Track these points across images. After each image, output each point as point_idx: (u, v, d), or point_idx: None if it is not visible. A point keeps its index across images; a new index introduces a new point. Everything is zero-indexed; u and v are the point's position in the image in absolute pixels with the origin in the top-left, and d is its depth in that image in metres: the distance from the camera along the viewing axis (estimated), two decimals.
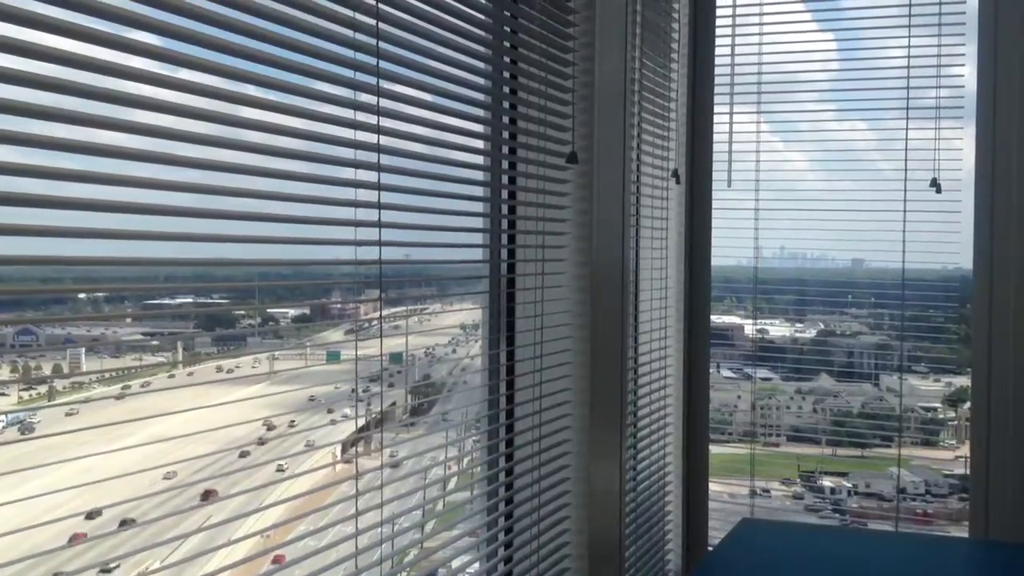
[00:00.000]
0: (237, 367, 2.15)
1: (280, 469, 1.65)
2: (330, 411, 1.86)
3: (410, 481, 1.84)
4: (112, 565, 1.26)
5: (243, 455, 1.69)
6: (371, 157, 1.61)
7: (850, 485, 3.71)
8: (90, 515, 1.32)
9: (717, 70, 3.18)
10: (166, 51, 1.21)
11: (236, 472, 1.50)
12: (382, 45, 1.60)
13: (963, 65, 2.94)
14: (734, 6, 3.22)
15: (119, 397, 1.83)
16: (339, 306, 2.11)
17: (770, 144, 3.30)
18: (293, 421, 1.95)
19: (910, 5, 2.98)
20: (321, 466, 1.67)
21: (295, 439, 1.76)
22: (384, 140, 1.63)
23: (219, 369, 2.23)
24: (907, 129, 2.99)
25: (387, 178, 1.64)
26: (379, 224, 1.62)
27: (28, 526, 1.11)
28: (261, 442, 1.77)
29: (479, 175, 2.15)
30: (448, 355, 2.71)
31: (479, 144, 2.11)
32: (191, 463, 1.56)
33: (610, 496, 2.48)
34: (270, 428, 1.89)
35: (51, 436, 1.17)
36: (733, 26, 3.22)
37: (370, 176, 1.61)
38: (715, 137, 3.18)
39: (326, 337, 2.35)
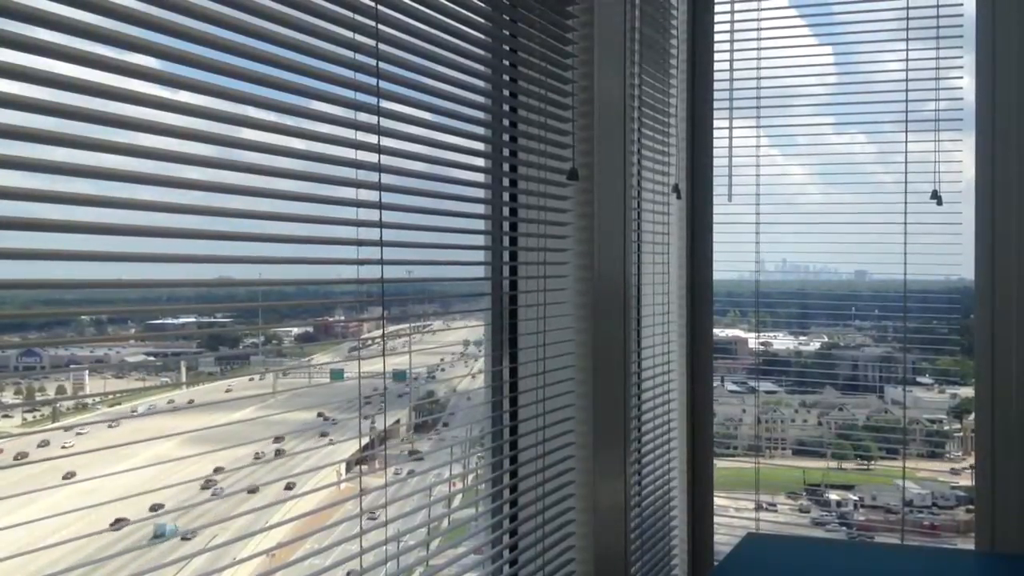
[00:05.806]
0: (230, 390, 2.14)
1: (288, 487, 1.65)
2: (325, 434, 1.86)
3: (415, 499, 1.84)
4: None
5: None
6: (372, 176, 1.62)
7: (856, 498, 3.70)
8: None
9: (716, 84, 3.20)
10: (166, 74, 1.22)
11: (240, 492, 1.50)
12: (382, 65, 1.61)
13: (961, 76, 2.95)
14: (732, 21, 3.23)
15: (114, 423, 1.83)
16: (342, 324, 2.11)
17: (770, 157, 3.31)
18: (280, 450, 1.93)
19: (907, 17, 2.99)
20: (326, 485, 1.67)
21: (298, 459, 1.76)
22: (385, 159, 1.64)
23: (229, 390, 2.22)
24: (907, 141, 3.00)
25: (388, 196, 1.65)
26: (381, 243, 1.63)
27: (32, 549, 1.11)
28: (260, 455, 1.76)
29: (480, 192, 2.17)
30: (452, 373, 2.71)
31: (480, 162, 2.12)
32: (195, 482, 1.56)
33: (615, 512, 2.47)
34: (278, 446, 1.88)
35: (50, 459, 1.17)
36: (731, 40, 3.23)
37: (371, 195, 1.62)
38: (715, 151, 3.20)
39: (330, 355, 2.35)
